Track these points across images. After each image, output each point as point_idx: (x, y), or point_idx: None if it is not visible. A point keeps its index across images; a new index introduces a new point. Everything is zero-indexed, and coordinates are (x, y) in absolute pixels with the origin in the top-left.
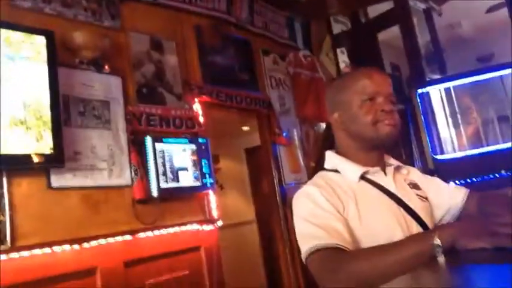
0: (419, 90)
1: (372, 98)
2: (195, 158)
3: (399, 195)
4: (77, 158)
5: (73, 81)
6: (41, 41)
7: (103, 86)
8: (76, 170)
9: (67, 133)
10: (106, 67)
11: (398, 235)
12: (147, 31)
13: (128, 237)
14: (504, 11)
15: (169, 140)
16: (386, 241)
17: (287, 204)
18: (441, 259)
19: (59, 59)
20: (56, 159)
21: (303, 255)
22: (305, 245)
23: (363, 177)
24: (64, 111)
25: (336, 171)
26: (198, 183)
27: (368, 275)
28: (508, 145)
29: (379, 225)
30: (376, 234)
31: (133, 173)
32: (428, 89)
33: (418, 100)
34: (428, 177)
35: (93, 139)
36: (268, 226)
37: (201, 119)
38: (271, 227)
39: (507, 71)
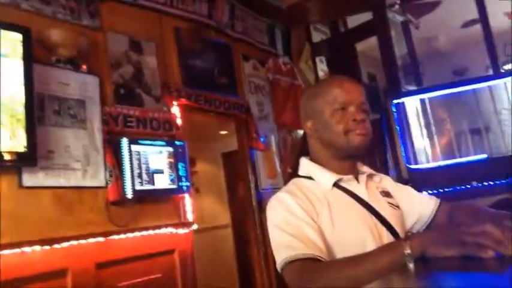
0: (395, 101)
1: (344, 107)
2: (171, 160)
3: (371, 203)
4: (51, 157)
5: (49, 80)
6: (17, 37)
7: (79, 85)
8: (49, 169)
9: (41, 132)
10: (83, 66)
11: (369, 243)
12: (126, 31)
13: (100, 239)
14: (478, 26)
15: (146, 141)
16: (357, 248)
17: (262, 209)
18: (411, 266)
19: (35, 56)
20: (29, 158)
21: (278, 265)
22: (280, 255)
23: (336, 184)
24: (39, 109)
25: (310, 178)
26: (173, 186)
27: (342, 286)
28: (479, 157)
29: (351, 232)
30: (347, 241)
31: (108, 174)
32: (403, 99)
33: (394, 110)
34: (401, 185)
35: (68, 138)
36: (243, 230)
37: (179, 122)
38: (246, 231)
39: (480, 85)
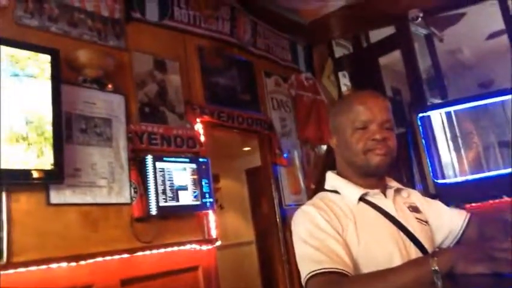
0: (420, 114)
1: (365, 126)
2: (195, 177)
3: (399, 218)
4: (77, 175)
5: (76, 99)
6: (45, 58)
7: (105, 104)
8: (75, 187)
9: (68, 150)
10: (109, 86)
11: (396, 258)
12: (151, 51)
13: (125, 255)
14: (504, 37)
15: (170, 159)
16: (384, 264)
17: (287, 225)
18: (439, 284)
19: (62, 76)
20: (56, 176)
21: (303, 279)
22: (305, 268)
23: (362, 198)
24: (66, 128)
25: (336, 192)
26: (197, 203)
27: None
28: (508, 170)
29: (378, 247)
30: (374, 256)
31: (132, 191)
32: (429, 113)
33: (419, 124)
34: (430, 200)
35: (94, 156)
36: (267, 247)
37: (202, 139)
38: (270, 248)
39: (507, 97)
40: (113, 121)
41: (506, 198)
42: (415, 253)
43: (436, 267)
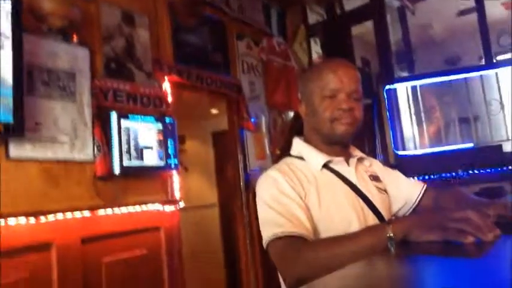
0: (387, 87)
1: (333, 94)
2: (160, 137)
3: (359, 186)
4: (38, 129)
5: (38, 50)
6: (6, 4)
7: (70, 57)
8: (36, 141)
9: (29, 103)
10: (74, 37)
11: (354, 224)
12: (119, 3)
13: (86, 213)
14: (474, 15)
15: (136, 117)
16: (342, 229)
17: (250, 189)
18: (393, 250)
19: (25, 25)
20: (16, 129)
21: (264, 241)
22: (267, 232)
23: (326, 165)
24: (27, 79)
25: (301, 158)
26: (162, 163)
27: (325, 265)
28: (466, 146)
29: (337, 213)
30: (333, 222)
31: (96, 149)
32: (395, 85)
33: (385, 96)
34: (390, 170)
35: (56, 111)
36: (230, 210)
37: (170, 99)
38: (232, 211)
39: (472, 74)
40: (77, 75)
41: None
42: (372, 220)
43: (391, 234)
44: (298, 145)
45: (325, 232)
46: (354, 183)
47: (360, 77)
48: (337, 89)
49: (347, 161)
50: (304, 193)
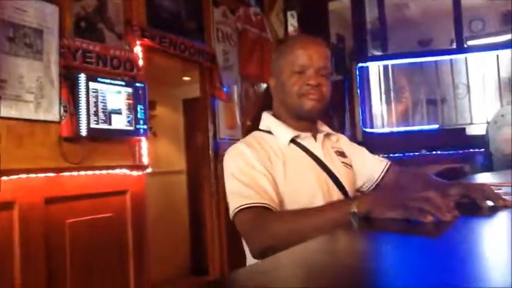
0: (360, 64)
1: (302, 70)
2: (130, 102)
3: (325, 161)
4: (2, 87)
5: (5, 3)
6: None
7: (37, 13)
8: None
9: None
10: None
11: (318, 198)
12: None
13: (51, 174)
14: None
15: (105, 80)
16: (306, 203)
17: (219, 158)
18: (356, 225)
19: None
20: None
21: (231, 212)
22: (233, 203)
23: (293, 140)
24: None
25: (269, 132)
26: (131, 128)
27: (288, 236)
28: (431, 127)
29: (302, 187)
30: (298, 195)
31: (62, 110)
32: (368, 64)
33: (357, 73)
34: (356, 145)
35: (22, 68)
36: (197, 178)
37: (141, 63)
38: (200, 179)
39: (443, 57)
40: (45, 33)
41: (425, 152)
42: (336, 194)
43: (355, 210)
44: (267, 119)
45: (290, 205)
46: (320, 158)
47: (330, 54)
48: (306, 65)
49: (314, 137)
50: (271, 166)
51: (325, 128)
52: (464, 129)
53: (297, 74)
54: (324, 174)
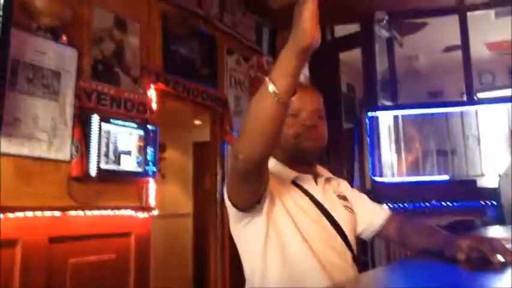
0: (370, 113)
1: (296, 113)
2: (141, 143)
3: (325, 204)
4: (16, 125)
5: (26, 46)
6: None
7: (57, 56)
8: (13, 137)
9: (10, 97)
10: (63, 37)
11: (315, 242)
12: (112, 8)
13: (57, 213)
14: (459, 53)
15: (117, 122)
16: (302, 246)
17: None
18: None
19: (14, 20)
20: None
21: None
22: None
23: (294, 182)
24: (11, 74)
25: (271, 173)
26: (139, 170)
27: (248, 143)
28: (442, 178)
29: (299, 227)
30: (293, 235)
31: (74, 149)
32: (378, 113)
33: (367, 122)
34: (356, 192)
35: (37, 108)
36: (203, 221)
37: (154, 106)
38: (206, 223)
39: (453, 109)
40: (63, 75)
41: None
42: (335, 239)
43: (272, 87)
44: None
45: (284, 243)
46: (321, 202)
47: (322, 98)
48: (299, 108)
49: (315, 180)
50: (272, 194)
51: (326, 173)
52: (475, 181)
53: (291, 116)
54: (323, 218)
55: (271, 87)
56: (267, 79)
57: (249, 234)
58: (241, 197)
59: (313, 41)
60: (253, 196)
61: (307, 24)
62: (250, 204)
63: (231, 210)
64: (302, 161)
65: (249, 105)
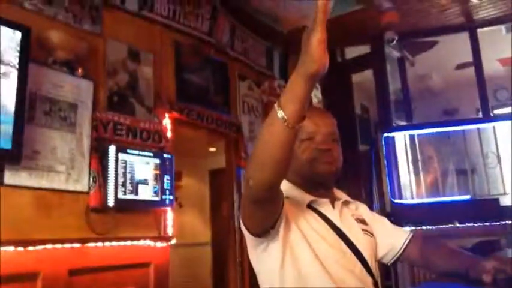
0: (385, 134)
1: (310, 137)
2: (157, 172)
3: (343, 228)
4: (35, 158)
5: (43, 80)
6: (15, 35)
7: (73, 88)
8: (32, 170)
9: (29, 131)
10: (79, 70)
11: (332, 265)
12: (126, 40)
13: (76, 245)
14: (472, 69)
15: (134, 151)
16: (318, 269)
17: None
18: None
19: (32, 55)
20: (13, 156)
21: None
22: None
23: (310, 206)
24: (29, 108)
25: (287, 197)
26: (157, 198)
27: (259, 168)
28: (463, 197)
29: (315, 251)
30: (310, 259)
31: (91, 180)
32: (394, 134)
33: (383, 143)
34: (376, 215)
35: (55, 140)
36: (222, 249)
37: (169, 135)
38: (225, 250)
39: (470, 127)
40: (79, 107)
41: (458, 224)
42: (353, 263)
43: (281, 113)
44: (283, 185)
45: (300, 269)
46: (338, 226)
47: (335, 121)
48: (313, 131)
49: (332, 203)
50: (293, 215)
51: (343, 196)
52: (497, 199)
53: (306, 141)
54: (341, 243)
55: (280, 113)
56: (275, 105)
57: (265, 260)
58: (255, 222)
59: (321, 67)
60: (267, 221)
61: (315, 51)
62: (264, 229)
63: (247, 236)
64: (318, 185)
65: (259, 130)
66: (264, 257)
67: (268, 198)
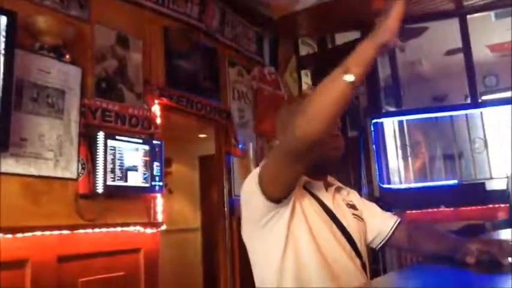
0: (374, 120)
1: None
2: (147, 159)
3: (334, 211)
4: (23, 145)
5: (30, 66)
6: (1, 20)
7: (61, 74)
8: (20, 157)
9: (16, 118)
10: (67, 56)
11: (323, 245)
12: (114, 26)
13: (65, 231)
14: (461, 55)
15: (123, 138)
16: (313, 248)
17: (234, 215)
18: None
19: (18, 41)
20: (0, 143)
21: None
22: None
23: (305, 188)
24: (16, 95)
25: None
26: (146, 185)
27: (310, 120)
28: (450, 182)
29: (310, 229)
30: (305, 236)
31: (80, 167)
32: (383, 119)
33: (372, 129)
34: (366, 201)
35: (43, 127)
36: (212, 235)
37: (158, 121)
38: (215, 236)
39: (458, 113)
40: (67, 93)
41: (444, 208)
42: (343, 246)
43: (349, 78)
44: None
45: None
46: (330, 208)
47: None
48: None
49: (325, 188)
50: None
51: (336, 182)
52: (483, 184)
53: None
54: (333, 225)
55: (346, 73)
56: (339, 68)
57: (265, 234)
58: (280, 182)
59: (392, 38)
60: (292, 183)
61: (393, 22)
62: (286, 192)
63: (258, 204)
64: (319, 168)
65: (315, 88)
66: (264, 232)
67: (306, 154)
